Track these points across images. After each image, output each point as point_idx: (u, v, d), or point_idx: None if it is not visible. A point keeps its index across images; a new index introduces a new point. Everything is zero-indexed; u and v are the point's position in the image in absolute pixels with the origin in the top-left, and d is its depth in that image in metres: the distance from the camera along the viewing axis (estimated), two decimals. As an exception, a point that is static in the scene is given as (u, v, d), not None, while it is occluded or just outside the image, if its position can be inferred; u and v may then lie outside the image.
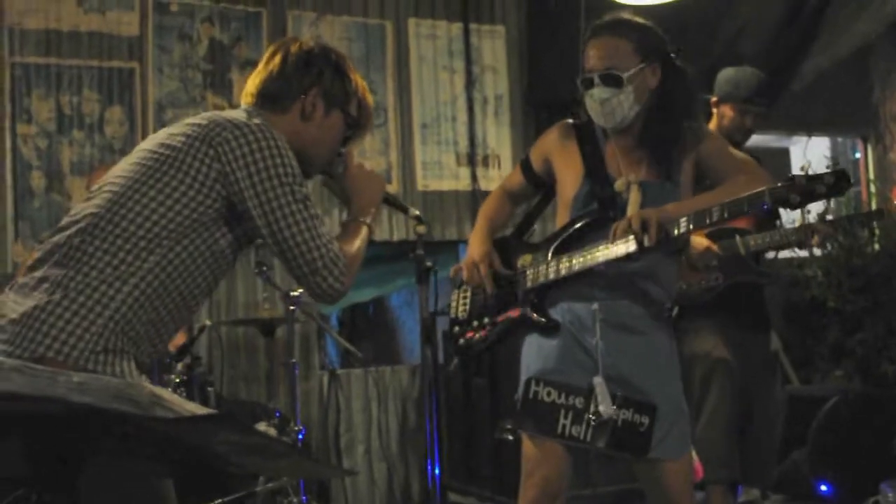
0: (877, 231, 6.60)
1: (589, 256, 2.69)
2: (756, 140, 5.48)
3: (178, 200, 1.97)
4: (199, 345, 4.76)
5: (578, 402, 2.66)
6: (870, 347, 6.12)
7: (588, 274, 2.72)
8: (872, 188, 7.35)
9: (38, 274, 1.94)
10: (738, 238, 4.04)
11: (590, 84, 2.73)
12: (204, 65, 5.21)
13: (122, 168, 2.07)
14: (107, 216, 1.96)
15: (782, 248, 4.16)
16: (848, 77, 6.95)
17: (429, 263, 3.92)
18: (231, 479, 3.66)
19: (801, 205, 2.50)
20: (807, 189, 2.43)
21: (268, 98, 2.21)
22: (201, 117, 2.09)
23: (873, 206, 7.21)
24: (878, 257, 6.39)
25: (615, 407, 2.64)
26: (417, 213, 2.79)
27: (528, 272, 2.82)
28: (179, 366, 4.08)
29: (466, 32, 5.85)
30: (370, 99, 2.36)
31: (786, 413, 5.22)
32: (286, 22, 5.40)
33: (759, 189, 2.48)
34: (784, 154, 7.57)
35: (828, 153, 7.76)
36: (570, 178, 2.82)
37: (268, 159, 2.01)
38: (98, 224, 1.96)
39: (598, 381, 2.65)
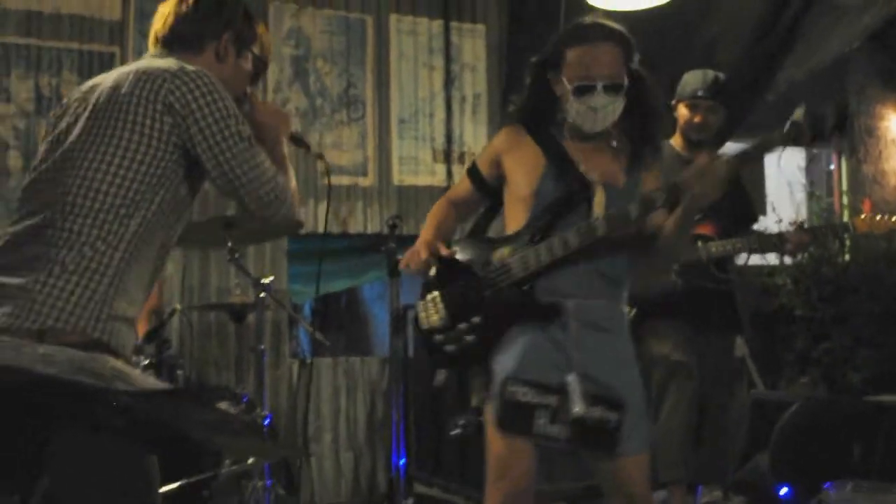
0: (847, 242, 6.68)
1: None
2: (730, 148, 5.56)
3: (142, 162, 2.02)
4: (170, 329, 4.78)
5: (553, 400, 2.66)
6: (836, 356, 6.19)
7: (562, 270, 2.73)
8: (845, 199, 7.43)
9: (25, 254, 1.98)
10: (699, 244, 4.11)
11: (587, 91, 2.73)
12: (185, 52, 5.22)
13: (74, 141, 2.09)
14: (80, 192, 2.00)
15: (745, 253, 4.23)
16: (823, 89, 7.02)
17: (400, 257, 3.97)
18: (195, 460, 3.69)
19: (812, 140, 2.65)
20: (812, 128, 2.62)
21: (181, 41, 2.25)
22: (133, 72, 2.12)
23: (846, 217, 7.30)
24: (848, 268, 6.46)
25: (587, 405, 2.65)
26: (318, 151, 2.81)
27: (512, 262, 2.77)
28: (148, 348, 4.10)
29: (447, 30, 5.90)
30: (268, 40, 2.41)
31: (750, 417, 5.29)
32: (267, 11, 5.42)
33: (770, 135, 2.63)
34: (759, 163, 7.63)
35: (802, 163, 7.83)
36: (525, 175, 2.83)
37: (212, 104, 2.06)
38: (75, 202, 2.00)
39: (571, 378, 2.65)
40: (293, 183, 2.21)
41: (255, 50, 2.34)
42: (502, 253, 2.81)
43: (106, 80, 2.16)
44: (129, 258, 2.00)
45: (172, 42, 2.25)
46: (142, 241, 2.03)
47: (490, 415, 2.75)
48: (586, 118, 2.76)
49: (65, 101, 2.24)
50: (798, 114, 2.72)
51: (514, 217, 2.85)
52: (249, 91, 2.37)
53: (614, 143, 2.85)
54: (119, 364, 1.71)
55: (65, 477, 1.89)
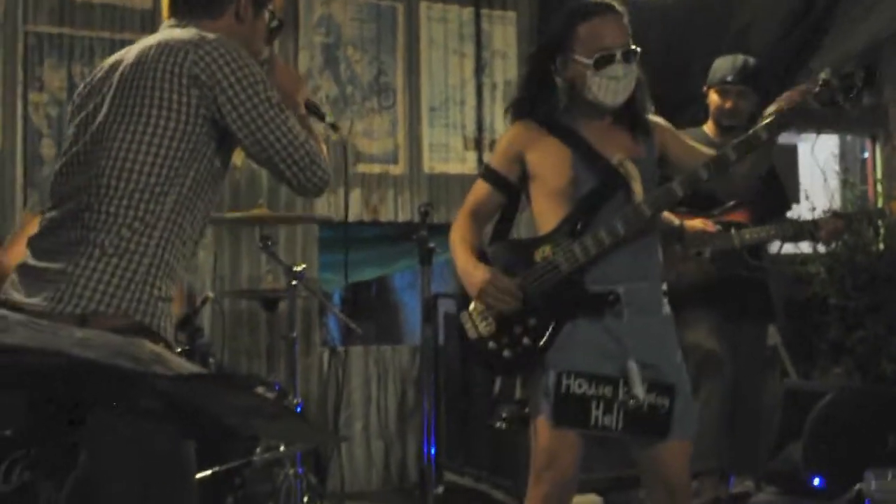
0: (882, 230, 6.61)
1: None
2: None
3: (172, 138, 2.01)
4: (202, 317, 4.79)
5: (608, 391, 2.66)
6: (870, 345, 6.14)
7: (607, 258, 2.73)
8: (879, 187, 7.36)
9: (64, 238, 1.99)
10: (733, 231, 4.08)
11: (608, 61, 2.73)
12: (215, 39, 5.22)
13: (102, 122, 2.08)
14: (114, 174, 2.00)
15: (778, 240, 4.19)
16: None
17: (431, 245, 3.96)
18: (228, 448, 3.70)
19: (847, 100, 2.66)
20: (843, 85, 2.64)
21: (200, 5, 2.22)
22: (154, 46, 2.09)
23: (881, 205, 7.23)
24: (882, 256, 6.40)
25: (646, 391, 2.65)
26: (332, 120, 2.76)
27: (559, 259, 2.74)
28: (181, 336, 4.11)
29: (478, 17, 5.87)
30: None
31: (783, 407, 5.25)
32: (298, 0, 5.42)
33: (800, 97, 2.69)
34: (792, 151, 7.57)
35: (836, 151, 7.76)
36: (553, 168, 2.80)
37: (237, 72, 2.04)
38: (109, 184, 2.00)
39: (631, 365, 2.66)
40: (319, 143, 2.19)
41: (271, 6, 2.32)
42: (544, 251, 2.78)
43: (128, 55, 2.13)
44: (168, 236, 2.01)
45: (191, 7, 2.22)
46: (180, 216, 2.02)
47: (539, 408, 2.74)
48: (608, 90, 2.76)
49: (88, 79, 2.22)
50: (825, 73, 2.71)
51: (551, 211, 2.82)
52: (269, 53, 2.36)
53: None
54: (158, 348, 1.72)
55: (101, 460, 1.89)
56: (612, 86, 2.75)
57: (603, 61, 2.73)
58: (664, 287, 2.86)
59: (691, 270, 4.07)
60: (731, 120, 4.26)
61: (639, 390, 2.63)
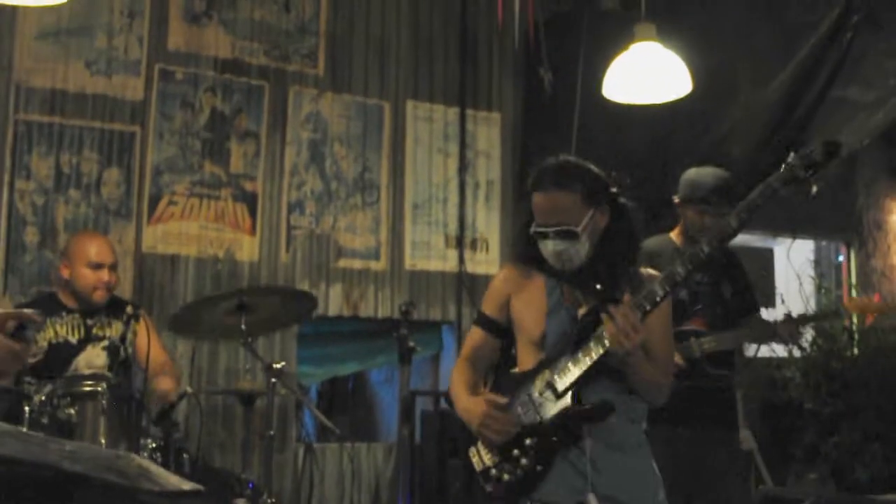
0: (856, 335, 6.67)
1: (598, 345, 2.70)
2: (741, 239, 5.57)
3: None
4: (178, 411, 4.74)
5: None
6: (845, 451, 6.15)
7: (585, 392, 2.73)
8: (854, 293, 7.45)
9: None
10: (692, 340, 4.06)
11: (543, 236, 2.77)
12: (204, 133, 5.29)
13: None
14: None
15: (735, 346, 4.17)
16: (833, 183, 7.09)
17: (411, 344, 3.97)
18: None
19: (810, 177, 2.68)
20: (805, 162, 2.67)
21: None
22: None
23: (854, 314, 7.30)
24: (857, 362, 6.45)
25: None
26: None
27: (556, 382, 2.76)
28: (156, 431, 4.06)
29: (463, 117, 5.96)
30: None
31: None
32: (287, 96, 5.51)
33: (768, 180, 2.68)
34: (768, 254, 7.68)
35: (811, 256, 7.87)
36: (532, 316, 2.86)
37: None
38: None
39: (591, 497, 2.67)
40: None
41: None
42: (542, 378, 2.80)
43: None
44: None
45: None
46: None
47: None
48: (553, 260, 2.80)
49: None
50: (791, 157, 2.76)
51: (525, 357, 2.88)
52: None
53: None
54: (145, 462, 1.71)
55: None
56: (555, 258, 2.79)
57: (539, 236, 2.79)
58: (643, 425, 2.87)
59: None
60: (702, 234, 4.27)
61: None
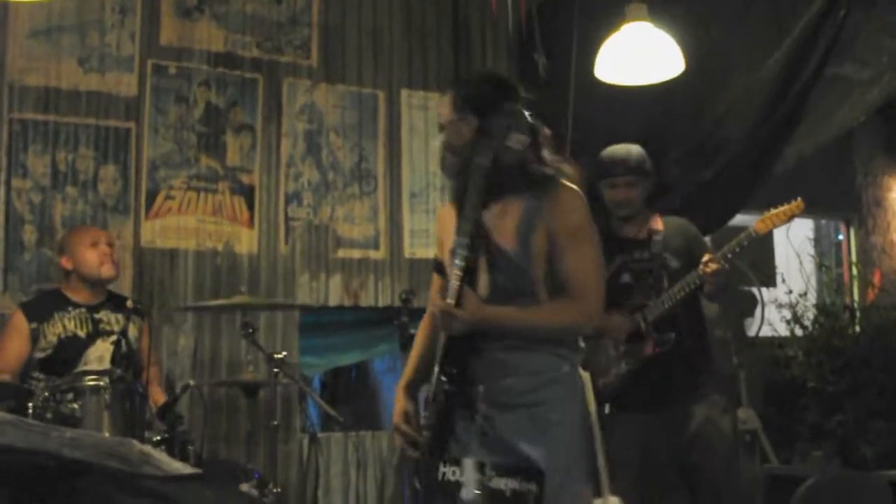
0: (858, 313, 6.67)
1: None
2: (739, 220, 5.59)
3: None
4: (181, 403, 4.75)
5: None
6: (849, 429, 6.15)
7: (471, 357, 2.79)
8: (854, 271, 7.44)
9: None
10: (637, 315, 4.13)
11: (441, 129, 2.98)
12: (199, 127, 5.28)
13: None
14: None
15: (674, 304, 4.12)
16: (831, 161, 7.09)
17: (412, 331, 3.97)
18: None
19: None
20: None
21: None
22: None
23: (856, 288, 7.31)
24: (859, 339, 6.45)
25: (503, 477, 2.69)
26: None
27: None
28: (160, 424, 4.08)
29: (458, 104, 5.95)
30: None
31: (764, 492, 5.24)
32: (281, 88, 5.50)
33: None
34: (768, 234, 7.66)
35: (811, 234, 7.87)
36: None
37: None
38: None
39: (466, 461, 2.73)
40: None
41: None
42: None
43: None
44: None
45: None
46: None
47: None
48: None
49: None
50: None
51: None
52: None
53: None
54: (147, 448, 1.71)
55: None
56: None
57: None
58: (544, 379, 2.83)
59: (612, 382, 4.15)
60: (627, 210, 4.27)
61: (465, 490, 2.69)
